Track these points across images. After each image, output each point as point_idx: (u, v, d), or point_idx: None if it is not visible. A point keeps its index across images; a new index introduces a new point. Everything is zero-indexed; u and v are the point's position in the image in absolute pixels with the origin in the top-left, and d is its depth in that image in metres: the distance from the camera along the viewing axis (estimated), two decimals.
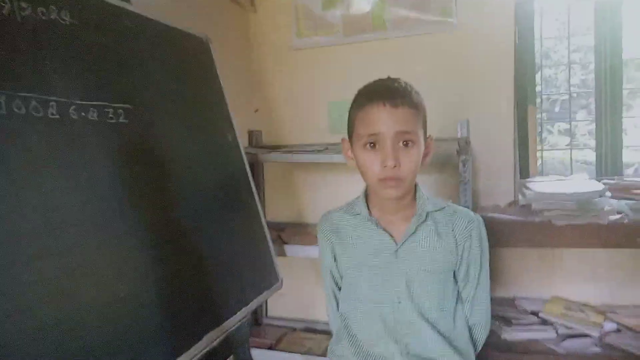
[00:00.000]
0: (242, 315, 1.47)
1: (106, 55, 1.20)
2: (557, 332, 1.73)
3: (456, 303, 1.12)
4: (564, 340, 1.70)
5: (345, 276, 1.17)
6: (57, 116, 1.01)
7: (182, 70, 1.53)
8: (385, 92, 1.02)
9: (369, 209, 1.12)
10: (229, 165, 1.67)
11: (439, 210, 1.11)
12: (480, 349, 1.17)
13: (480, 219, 1.13)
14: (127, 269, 1.09)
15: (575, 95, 2.72)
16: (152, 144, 1.29)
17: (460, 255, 1.10)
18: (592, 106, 2.92)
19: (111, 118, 1.16)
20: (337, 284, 1.21)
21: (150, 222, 1.20)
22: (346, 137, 1.13)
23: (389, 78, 1.07)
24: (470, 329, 1.14)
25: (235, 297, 1.47)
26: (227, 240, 1.50)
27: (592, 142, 2.79)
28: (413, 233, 1.08)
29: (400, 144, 1.01)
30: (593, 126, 2.69)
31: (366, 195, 1.14)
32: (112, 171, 1.13)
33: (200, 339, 1.27)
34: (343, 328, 1.16)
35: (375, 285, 1.10)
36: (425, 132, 1.08)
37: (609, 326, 1.73)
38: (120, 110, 1.20)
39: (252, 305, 1.54)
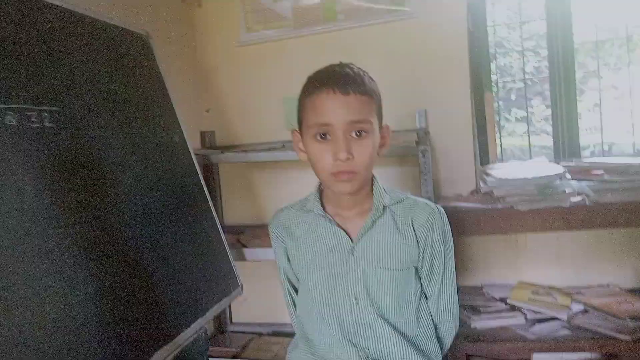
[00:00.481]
0: (197, 326, 1.38)
1: (25, 53, 1.09)
2: (525, 317, 1.71)
3: (419, 301, 1.05)
4: (533, 325, 1.67)
5: (300, 277, 1.09)
6: None
7: (119, 68, 1.43)
8: (335, 78, 0.94)
9: (322, 205, 1.05)
10: (177, 168, 1.57)
11: (397, 203, 1.04)
12: (448, 347, 1.10)
13: (442, 210, 1.06)
14: (57, 286, 0.98)
15: (529, 82, 2.73)
16: (85, 148, 1.18)
17: (422, 250, 1.03)
18: (547, 92, 2.96)
19: (34, 122, 1.05)
20: (294, 286, 1.13)
21: (85, 232, 1.09)
22: (296, 129, 1.05)
23: (340, 63, 0.99)
24: (436, 328, 1.08)
25: (190, 308, 1.38)
26: (176, 248, 1.40)
27: (549, 128, 2.82)
28: (370, 229, 1.01)
29: (353, 134, 0.94)
30: (549, 112, 2.71)
31: (320, 190, 1.07)
32: (36, 180, 1.01)
33: (149, 357, 1.17)
34: (300, 332, 1.09)
35: (331, 286, 1.02)
36: (380, 121, 1.01)
37: (576, 308, 1.72)
38: (46, 114, 1.09)
39: (209, 315, 1.45)
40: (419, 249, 1.02)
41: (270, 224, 1.13)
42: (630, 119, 2.27)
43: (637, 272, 1.91)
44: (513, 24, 2.86)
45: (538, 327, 1.65)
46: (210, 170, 2.19)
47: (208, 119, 2.26)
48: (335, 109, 0.93)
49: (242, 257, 1.82)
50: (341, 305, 1.01)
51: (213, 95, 2.26)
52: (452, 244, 1.07)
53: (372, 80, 0.99)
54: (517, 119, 3.33)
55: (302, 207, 1.08)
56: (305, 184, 2.10)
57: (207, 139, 2.18)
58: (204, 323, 1.41)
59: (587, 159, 2.02)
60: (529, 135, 2.56)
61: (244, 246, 1.87)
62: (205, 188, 1.66)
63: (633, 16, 2.28)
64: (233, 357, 1.90)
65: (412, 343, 1.01)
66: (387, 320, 1.00)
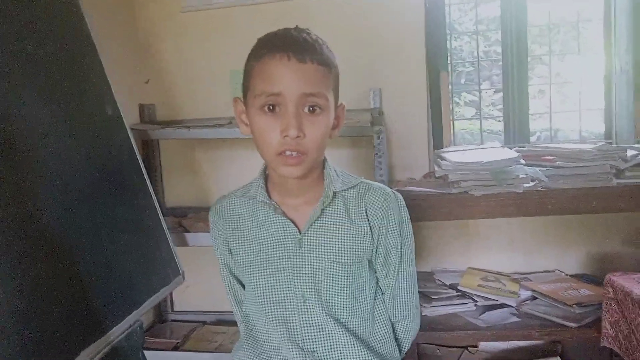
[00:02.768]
0: (132, 320, 1.25)
1: None
2: (476, 304, 1.69)
3: (375, 298, 0.96)
4: (483, 312, 1.66)
5: (244, 272, 0.97)
6: None
7: (39, 28, 1.24)
8: (290, 42, 0.82)
9: (267, 191, 0.94)
10: (110, 144, 1.41)
11: (350, 188, 0.93)
12: (407, 348, 1.02)
13: (400, 195, 0.97)
14: None
15: (481, 66, 2.72)
16: (2, 118, 1.01)
17: (376, 240, 0.93)
18: (495, 77, 2.97)
19: None
20: (239, 281, 1.02)
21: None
22: (241, 97, 0.92)
23: (296, 28, 0.87)
24: (393, 327, 0.99)
25: (123, 300, 1.24)
26: (108, 234, 1.26)
27: (497, 112, 2.84)
28: (318, 218, 0.90)
29: (306, 109, 0.83)
30: (497, 96, 2.72)
31: (265, 175, 0.95)
32: None
33: (74, 356, 1.04)
34: (246, 331, 0.98)
35: (277, 283, 0.92)
36: (336, 99, 0.90)
37: (525, 294, 1.73)
38: None
39: (146, 306, 1.33)
40: (372, 239, 0.93)
41: (210, 213, 1.01)
42: (575, 106, 2.30)
43: (581, 258, 1.95)
44: (464, 6, 2.84)
45: (488, 315, 1.64)
46: (149, 148, 2.03)
47: (147, 91, 2.07)
48: (288, 77, 0.81)
49: (184, 243, 1.69)
50: (287, 304, 0.91)
51: (154, 65, 2.08)
52: (411, 234, 0.98)
53: (331, 51, 0.88)
54: (466, 103, 3.35)
55: (245, 193, 0.96)
56: (253, 164, 2.00)
57: (146, 113, 2.00)
58: (139, 316, 1.28)
59: (540, 144, 2.02)
60: (480, 120, 2.55)
61: (186, 230, 1.75)
62: (142, 167, 1.51)
63: (583, 3, 2.30)
64: (174, 349, 1.78)
65: (366, 345, 0.92)
66: (338, 320, 0.91)
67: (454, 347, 1.85)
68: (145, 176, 1.52)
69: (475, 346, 1.84)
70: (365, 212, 0.92)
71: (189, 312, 2.13)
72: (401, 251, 0.96)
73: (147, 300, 1.32)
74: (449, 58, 2.21)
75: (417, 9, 1.94)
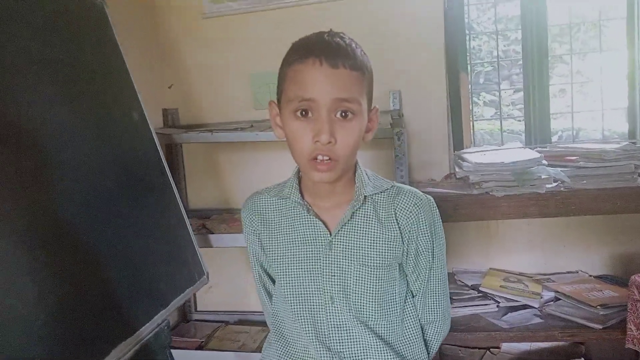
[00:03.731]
0: (160, 319, 1.28)
1: None
2: (498, 305, 1.68)
3: (404, 301, 0.96)
4: (505, 313, 1.65)
5: (275, 270, 0.99)
6: None
7: (69, 37, 1.28)
8: (323, 47, 0.83)
9: (301, 192, 0.95)
10: (136, 148, 1.44)
11: (380, 192, 0.94)
12: (436, 350, 1.01)
13: (431, 199, 0.97)
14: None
15: (500, 65, 2.70)
16: (28, 124, 1.05)
17: (406, 244, 0.93)
18: (514, 77, 2.94)
19: None
20: (270, 277, 1.03)
21: (27, 220, 0.97)
22: (275, 100, 0.93)
23: (330, 32, 0.87)
24: (423, 329, 0.99)
25: (150, 299, 1.28)
26: (137, 236, 1.29)
27: (517, 112, 2.81)
28: (349, 221, 0.91)
29: (338, 114, 0.83)
30: (517, 96, 2.69)
31: (299, 176, 0.96)
32: None
33: (107, 354, 1.07)
34: (275, 328, 1.00)
35: (305, 282, 0.93)
36: (370, 102, 0.90)
37: (548, 295, 1.71)
38: None
39: (172, 306, 1.36)
40: (403, 243, 0.93)
41: (243, 209, 1.02)
42: (597, 105, 2.28)
43: (604, 259, 1.92)
44: (483, 6, 2.82)
45: (510, 316, 1.63)
46: (173, 151, 2.07)
47: (171, 96, 2.12)
48: (320, 83, 0.81)
49: (207, 244, 1.72)
50: (315, 305, 0.92)
51: (176, 70, 2.12)
52: (442, 237, 0.98)
53: (365, 54, 0.88)
54: (485, 103, 3.33)
55: (279, 192, 0.97)
56: (273, 166, 2.03)
57: (169, 117, 2.04)
58: (166, 315, 1.31)
59: (561, 144, 2.01)
60: (500, 120, 2.54)
61: (210, 232, 1.77)
62: (167, 170, 1.55)
63: (605, 1, 2.27)
64: (197, 348, 1.81)
65: (393, 348, 0.93)
66: (365, 324, 0.91)
67: (476, 348, 1.85)
68: (170, 179, 1.55)
69: (498, 347, 1.83)
70: (395, 216, 0.92)
71: (212, 312, 2.16)
72: (432, 254, 0.96)
73: (174, 300, 1.35)
74: (468, 58, 2.21)
75: (437, 10, 1.94)
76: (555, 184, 1.60)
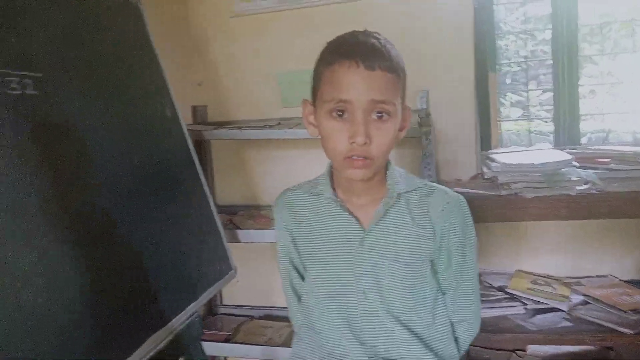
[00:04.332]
0: (191, 311, 1.31)
1: (3, 13, 0.98)
2: (525, 307, 1.67)
3: (436, 298, 0.97)
4: (533, 315, 1.64)
5: (306, 265, 1.01)
6: None
7: (107, 35, 1.32)
8: (360, 49, 0.84)
9: (333, 188, 0.96)
10: (169, 144, 1.48)
11: (413, 190, 0.95)
12: (466, 348, 1.02)
13: (462, 198, 0.98)
14: (42, 268, 0.90)
15: (525, 66, 2.67)
16: (69, 118, 1.09)
17: (438, 242, 0.95)
18: (542, 77, 2.90)
19: (15, 88, 0.95)
20: (299, 272, 1.05)
21: (69, 210, 1.00)
22: (308, 98, 0.94)
23: (365, 31, 0.88)
24: (453, 327, 1.00)
25: (182, 292, 1.31)
26: (169, 230, 1.32)
27: (544, 113, 2.77)
28: (382, 217, 0.92)
29: (374, 115, 0.84)
30: (544, 97, 2.66)
31: (331, 172, 0.98)
32: (17, 153, 0.92)
33: (142, 343, 1.10)
34: (305, 323, 1.01)
35: (338, 277, 0.94)
36: (403, 102, 0.91)
37: (577, 298, 1.69)
38: (28, 80, 0.99)
39: (203, 299, 1.39)
40: (435, 241, 0.94)
41: (276, 205, 1.04)
42: (627, 106, 2.23)
43: (635, 264, 1.89)
44: (511, 5, 2.79)
45: (538, 318, 1.62)
46: (201, 148, 2.10)
47: (200, 93, 2.15)
48: (357, 85, 0.83)
49: (235, 239, 1.74)
50: (348, 300, 0.93)
51: (206, 68, 2.15)
52: (473, 237, 0.99)
53: (399, 54, 0.89)
54: (512, 104, 3.29)
55: (312, 189, 0.99)
56: (299, 163, 2.04)
57: (198, 114, 2.07)
58: (197, 307, 1.34)
59: (592, 146, 1.98)
60: (528, 121, 2.51)
61: (238, 227, 1.80)
62: (198, 166, 1.58)
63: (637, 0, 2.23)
64: (225, 341, 1.84)
65: (425, 343, 0.94)
66: (397, 318, 0.92)
67: (501, 350, 1.83)
68: (201, 175, 1.58)
69: (524, 350, 1.81)
70: (428, 214, 0.93)
71: (238, 306, 2.19)
72: (463, 253, 0.97)
73: (204, 292, 1.38)
74: (496, 59, 2.19)
75: (466, 10, 1.93)
76: (586, 186, 1.58)
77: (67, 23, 1.16)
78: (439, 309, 0.98)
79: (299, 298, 1.05)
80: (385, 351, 0.92)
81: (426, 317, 0.95)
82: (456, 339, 1.00)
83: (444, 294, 0.99)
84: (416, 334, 0.93)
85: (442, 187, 0.99)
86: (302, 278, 1.04)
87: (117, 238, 1.13)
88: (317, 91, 0.90)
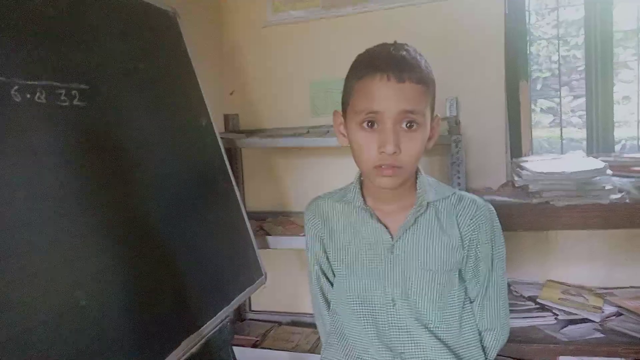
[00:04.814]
0: (223, 316, 1.35)
1: (55, 27, 1.04)
2: (556, 317, 1.65)
3: (463, 306, 0.98)
4: (564, 326, 1.62)
5: (336, 272, 1.03)
6: None
7: (147, 47, 1.37)
8: (390, 62, 0.85)
9: (363, 197, 0.98)
10: (204, 152, 1.52)
11: (443, 199, 0.96)
12: (494, 357, 1.01)
13: (491, 207, 0.98)
14: (86, 272, 0.95)
15: (557, 72, 2.63)
16: (114, 129, 1.14)
17: (466, 251, 0.95)
18: (574, 83, 2.85)
19: (64, 100, 1.01)
20: (328, 279, 1.06)
21: (113, 218, 1.06)
22: (339, 109, 0.96)
23: (395, 44, 0.90)
24: (481, 335, 1.00)
25: (215, 296, 1.34)
26: (203, 235, 1.36)
27: (576, 120, 2.72)
28: (411, 226, 0.94)
29: (404, 125, 0.86)
30: (576, 103, 2.61)
31: (360, 181, 1.00)
32: (65, 162, 0.98)
33: (176, 346, 1.14)
34: (335, 329, 1.03)
35: (367, 285, 0.96)
36: (432, 112, 0.92)
37: (609, 310, 1.66)
38: (75, 92, 1.04)
39: (234, 304, 1.42)
40: (463, 249, 0.95)
41: (307, 212, 1.06)
42: None
43: None
44: (542, 10, 2.76)
45: (570, 329, 1.60)
46: (233, 155, 2.15)
47: (232, 102, 2.20)
48: (387, 97, 0.84)
49: (265, 245, 1.78)
50: (377, 307, 0.95)
51: (237, 77, 2.21)
52: (502, 245, 0.99)
53: (429, 65, 0.90)
54: (542, 110, 3.24)
55: (342, 197, 1.01)
56: (328, 171, 2.07)
57: (230, 123, 2.12)
58: (229, 312, 1.38)
59: (626, 154, 1.94)
60: (561, 128, 2.47)
61: (267, 234, 1.83)
62: (231, 173, 1.62)
63: None
64: (253, 346, 1.87)
65: (453, 351, 0.94)
66: (425, 326, 0.93)
67: None
68: (233, 182, 1.62)
69: None
70: (457, 223, 0.94)
71: (266, 312, 2.22)
72: (492, 262, 0.97)
73: (236, 297, 1.41)
74: (528, 66, 2.17)
75: (497, 17, 1.93)
76: (620, 195, 1.55)
77: (111, 37, 1.21)
78: (467, 317, 0.98)
79: (328, 304, 1.07)
80: (412, 357, 0.93)
81: (454, 325, 0.96)
82: (483, 348, 1.00)
83: (471, 302, 1.00)
84: (444, 341, 0.94)
85: (471, 195, 0.99)
86: (332, 284, 1.06)
87: (157, 243, 1.18)
88: (348, 103, 0.92)
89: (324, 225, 1.03)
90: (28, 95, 0.93)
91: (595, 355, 1.61)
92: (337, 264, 1.01)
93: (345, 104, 0.94)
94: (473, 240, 0.95)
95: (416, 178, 0.97)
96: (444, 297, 0.95)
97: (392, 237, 0.94)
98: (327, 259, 1.04)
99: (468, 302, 0.99)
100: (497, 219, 0.98)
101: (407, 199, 0.96)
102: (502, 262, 0.99)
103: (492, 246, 0.97)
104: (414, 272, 0.93)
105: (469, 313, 0.99)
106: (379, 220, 0.96)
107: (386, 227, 0.95)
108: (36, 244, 0.86)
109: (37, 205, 0.89)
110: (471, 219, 0.95)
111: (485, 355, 1.00)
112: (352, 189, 0.99)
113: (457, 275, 0.97)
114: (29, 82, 0.94)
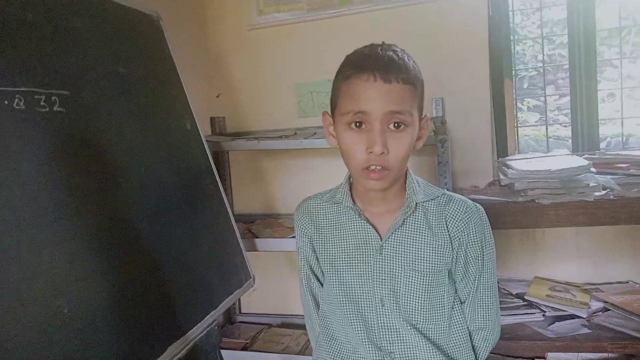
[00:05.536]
0: (210, 320, 1.34)
1: (32, 33, 1.03)
2: (544, 314, 1.66)
3: (453, 307, 0.98)
4: (552, 323, 1.63)
5: (325, 272, 1.03)
6: None
7: (130, 51, 1.37)
8: (376, 62, 0.85)
9: (352, 198, 0.98)
10: (189, 156, 1.52)
11: (431, 200, 0.96)
12: (485, 357, 1.01)
13: (481, 208, 0.98)
14: (68, 279, 0.94)
15: (542, 70, 2.65)
16: (95, 135, 1.13)
17: (456, 251, 0.95)
18: (560, 81, 2.87)
19: (43, 106, 1.00)
20: (318, 279, 1.06)
21: (96, 223, 1.05)
22: (328, 111, 0.97)
23: (383, 44, 0.90)
24: (471, 336, 1.00)
25: (202, 301, 1.34)
26: (190, 240, 1.36)
27: (562, 118, 2.75)
28: (400, 227, 0.94)
29: (391, 125, 0.86)
30: (562, 101, 2.63)
31: (350, 182, 1.00)
32: (45, 168, 0.97)
33: (162, 352, 1.13)
34: (323, 331, 1.03)
35: (356, 285, 0.96)
36: (421, 112, 0.92)
37: (596, 305, 1.68)
38: (55, 98, 1.04)
39: (222, 308, 1.41)
40: (452, 250, 0.95)
41: (296, 213, 1.06)
42: None
43: None
44: (527, 10, 2.78)
45: (557, 325, 1.61)
46: (220, 158, 2.14)
47: (218, 105, 2.20)
48: (374, 97, 0.84)
49: (253, 248, 1.77)
50: (366, 307, 0.95)
51: (223, 80, 2.20)
52: (492, 246, 0.99)
53: (416, 65, 0.90)
54: (529, 108, 3.26)
55: (331, 198, 1.01)
56: (316, 172, 2.07)
57: (217, 125, 2.12)
58: (216, 316, 1.37)
59: (610, 151, 1.96)
60: (546, 126, 2.49)
61: (256, 236, 1.83)
62: (217, 176, 1.61)
63: None
64: (243, 349, 1.87)
65: (442, 351, 0.95)
66: (414, 326, 0.94)
67: (520, 357, 1.82)
68: (220, 185, 1.62)
69: (543, 357, 1.80)
70: (446, 224, 0.94)
71: (256, 314, 2.21)
72: (482, 262, 0.97)
73: (223, 301, 1.41)
74: (513, 65, 2.19)
75: (481, 17, 1.94)
76: (604, 192, 1.57)
77: (92, 42, 1.21)
78: (456, 317, 0.98)
79: (318, 304, 1.07)
80: (401, 357, 0.94)
81: (443, 325, 0.96)
82: (474, 347, 1.00)
83: (462, 302, 1.00)
84: (433, 341, 0.94)
85: (461, 196, 0.99)
86: (321, 284, 1.06)
87: (141, 249, 1.17)
88: (336, 104, 0.92)
89: (313, 226, 1.02)
90: (6, 102, 0.92)
91: (583, 351, 1.63)
92: (326, 264, 1.01)
93: (333, 104, 0.94)
94: (462, 241, 0.95)
95: (406, 179, 0.97)
96: (433, 297, 0.95)
97: (380, 238, 0.94)
98: (317, 259, 1.04)
99: (458, 302, 0.99)
100: (487, 220, 0.99)
101: (396, 200, 0.96)
102: (493, 262, 1.00)
103: (482, 247, 0.97)
104: (402, 272, 0.93)
105: (459, 314, 0.99)
106: (368, 221, 0.96)
107: (375, 228, 0.95)
108: (14, 251, 0.85)
109: (16, 211, 0.88)
110: (460, 220, 0.95)
111: (476, 356, 1.00)
112: (342, 190, 0.99)
113: (446, 276, 0.97)
114: (7, 89, 0.93)
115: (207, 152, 1.60)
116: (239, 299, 2.23)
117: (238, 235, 1.61)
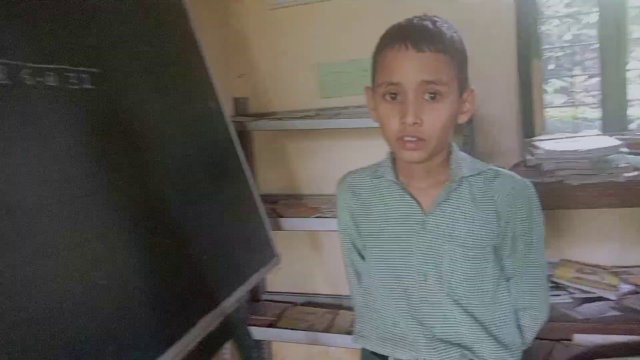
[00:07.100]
0: (239, 295, 1.36)
1: (64, 11, 1.04)
2: (572, 296, 1.64)
3: (498, 283, 0.95)
4: (580, 304, 1.61)
5: (367, 246, 1.02)
6: (8, 81, 0.86)
7: (155, 30, 1.38)
8: (410, 32, 0.85)
9: (395, 172, 0.97)
10: (214, 136, 1.53)
11: (477, 174, 0.94)
12: (532, 338, 1.00)
13: (529, 183, 0.96)
14: (103, 253, 0.96)
15: (570, 51, 2.58)
16: (124, 112, 1.15)
17: (503, 227, 0.92)
18: (587, 62, 2.80)
19: (73, 83, 1.01)
20: (360, 253, 1.05)
21: (128, 200, 1.07)
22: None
23: (422, 16, 0.89)
24: (518, 315, 0.98)
25: (231, 276, 1.36)
26: (217, 217, 1.37)
27: (590, 99, 2.69)
28: (444, 201, 0.92)
29: (426, 96, 0.84)
30: (590, 82, 2.57)
31: (393, 157, 0.99)
32: (77, 144, 0.99)
33: (194, 324, 1.16)
34: (365, 305, 1.02)
35: (399, 259, 0.95)
36: (463, 84, 0.91)
37: (626, 288, 1.65)
38: (85, 75, 1.05)
39: (249, 284, 1.44)
40: (499, 226, 0.92)
41: (338, 187, 1.05)
42: None
43: None
44: None
45: (585, 307, 1.59)
46: (243, 138, 2.14)
47: (241, 85, 2.20)
48: (405, 67, 0.84)
49: (277, 227, 1.78)
50: (408, 281, 0.94)
51: (246, 60, 2.19)
52: (540, 223, 0.97)
53: (456, 34, 0.88)
54: (555, 90, 3.19)
55: (374, 172, 1.00)
56: (338, 153, 2.06)
57: (240, 106, 2.12)
58: (244, 292, 1.39)
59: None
60: (575, 107, 2.44)
61: (280, 216, 1.84)
62: (242, 156, 1.62)
63: None
64: (269, 326, 1.89)
65: (485, 328, 0.93)
66: (457, 302, 0.92)
67: (545, 339, 1.81)
68: (244, 165, 1.63)
69: (569, 339, 1.78)
70: (492, 199, 0.92)
71: (280, 293, 2.23)
72: (530, 239, 0.95)
73: (251, 277, 1.43)
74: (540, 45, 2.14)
75: None
76: (635, 173, 1.53)
77: (118, 21, 1.21)
78: (501, 294, 0.96)
79: (360, 278, 1.06)
80: (443, 333, 0.93)
81: (486, 302, 0.94)
82: (520, 327, 0.98)
83: (508, 280, 0.97)
84: (475, 317, 0.93)
85: (508, 171, 0.97)
86: (363, 258, 1.05)
87: (172, 224, 1.19)
88: (374, 77, 0.92)
89: (355, 199, 1.02)
90: (39, 79, 0.93)
91: (611, 333, 1.61)
92: (368, 238, 1.01)
93: (372, 78, 0.93)
94: (510, 216, 0.93)
95: (450, 153, 0.95)
96: (476, 273, 0.93)
97: (423, 213, 0.93)
98: (359, 232, 1.03)
99: (503, 279, 0.97)
100: (535, 195, 0.97)
101: (440, 174, 0.94)
102: (541, 238, 0.98)
103: (530, 223, 0.95)
104: (445, 247, 0.92)
105: (504, 291, 0.97)
106: (411, 195, 0.94)
107: (418, 202, 0.94)
108: (52, 226, 0.87)
109: (50, 187, 0.90)
110: (508, 195, 0.93)
111: (522, 335, 0.98)
112: (384, 164, 0.99)
113: (490, 252, 0.94)
114: (40, 66, 0.94)
115: (231, 132, 1.61)
116: (264, 278, 2.26)
117: (263, 213, 1.62)
